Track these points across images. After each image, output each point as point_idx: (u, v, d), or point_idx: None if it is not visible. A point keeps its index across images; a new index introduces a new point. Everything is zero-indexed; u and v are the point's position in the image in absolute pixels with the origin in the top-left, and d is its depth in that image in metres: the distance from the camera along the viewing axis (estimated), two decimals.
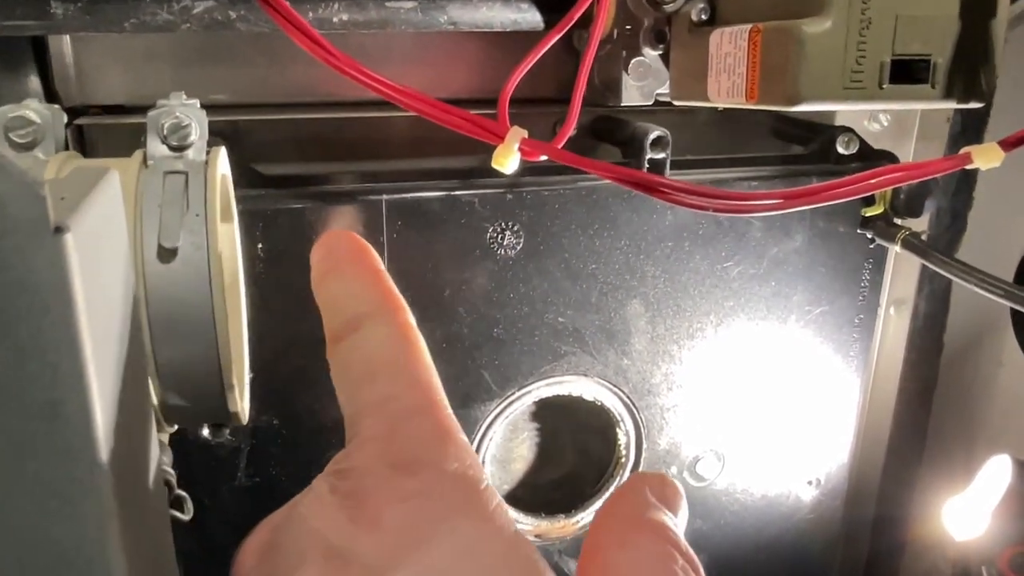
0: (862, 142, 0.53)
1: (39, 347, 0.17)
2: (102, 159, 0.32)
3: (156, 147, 0.30)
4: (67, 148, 0.32)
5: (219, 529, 0.45)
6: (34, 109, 0.30)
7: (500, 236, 0.47)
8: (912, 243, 0.51)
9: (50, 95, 0.44)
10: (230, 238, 0.37)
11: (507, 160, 0.39)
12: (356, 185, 0.44)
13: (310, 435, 0.47)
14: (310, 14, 0.40)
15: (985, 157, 0.36)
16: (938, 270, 0.49)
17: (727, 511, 0.59)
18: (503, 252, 0.47)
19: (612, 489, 0.56)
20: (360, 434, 0.24)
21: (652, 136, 0.46)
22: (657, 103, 0.48)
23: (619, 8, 0.45)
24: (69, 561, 0.18)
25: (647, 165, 0.47)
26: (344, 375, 0.26)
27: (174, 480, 0.31)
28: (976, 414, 0.65)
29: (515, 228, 0.47)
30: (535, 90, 0.49)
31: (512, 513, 0.55)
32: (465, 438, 0.24)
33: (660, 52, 0.46)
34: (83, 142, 0.44)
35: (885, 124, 0.58)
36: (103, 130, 0.44)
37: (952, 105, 0.37)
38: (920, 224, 0.56)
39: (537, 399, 0.52)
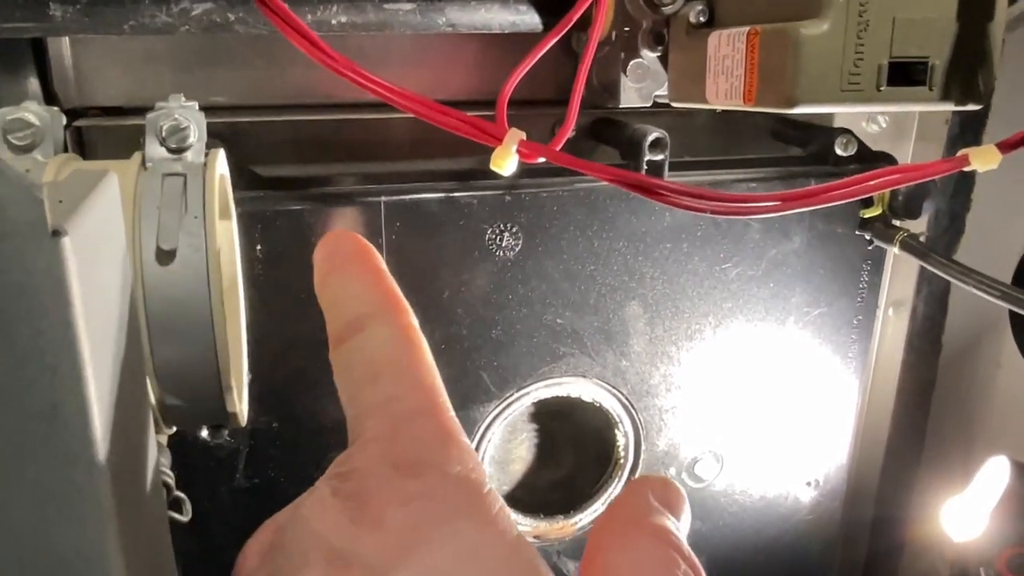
0: (860, 144, 0.53)
1: (38, 350, 0.17)
2: (101, 161, 0.32)
3: (155, 149, 0.30)
4: (66, 150, 0.32)
5: (218, 530, 0.45)
6: (33, 111, 0.31)
7: (499, 237, 0.47)
8: (910, 245, 0.51)
9: (49, 97, 0.44)
10: (229, 240, 0.37)
11: (505, 162, 0.39)
12: (355, 187, 0.45)
13: (309, 436, 0.47)
14: (309, 16, 0.41)
15: (982, 159, 0.36)
16: (936, 272, 0.49)
17: (726, 512, 0.59)
18: (502, 253, 0.47)
19: (611, 490, 0.56)
20: (363, 435, 0.24)
21: (650, 138, 0.46)
22: (656, 105, 0.48)
23: (617, 10, 0.46)
24: (68, 563, 0.18)
25: (646, 167, 0.47)
26: (347, 376, 0.26)
27: (173, 482, 0.31)
28: (974, 415, 0.65)
29: (514, 230, 0.47)
30: (534, 92, 0.49)
31: (511, 514, 0.55)
32: (467, 441, 0.24)
33: (658, 54, 0.46)
34: (82, 144, 0.44)
35: (884, 126, 0.58)
36: (102, 132, 0.44)
37: (950, 107, 0.37)
38: (919, 226, 0.56)
39: (536, 400, 0.52)
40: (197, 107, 0.32)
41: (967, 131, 0.58)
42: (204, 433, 0.44)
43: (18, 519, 0.17)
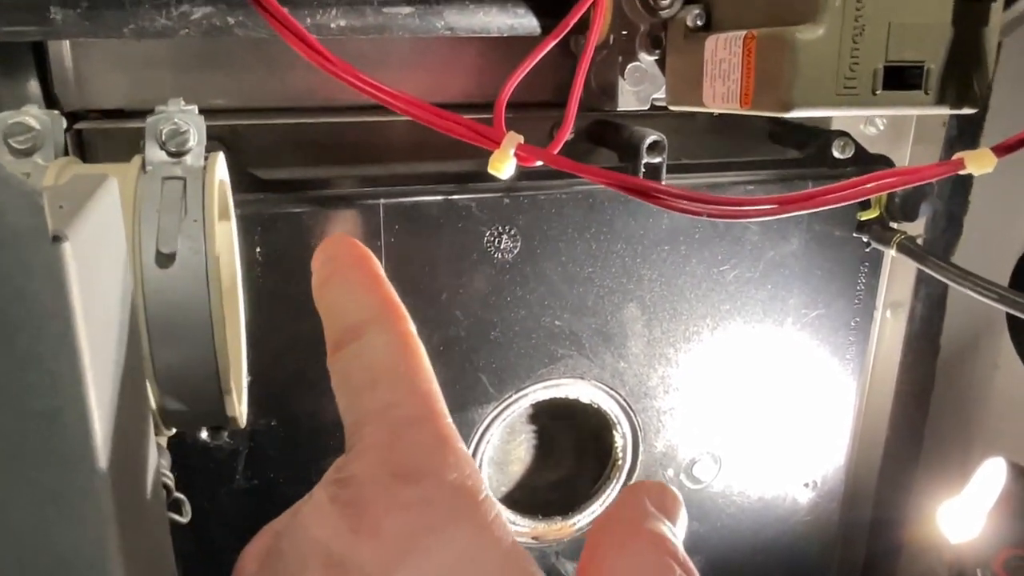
0: (858, 146, 0.53)
1: (38, 354, 0.17)
2: (101, 165, 0.32)
3: (154, 153, 0.31)
4: (66, 153, 0.33)
5: (218, 531, 0.45)
6: (33, 115, 0.31)
7: (497, 240, 0.47)
8: (907, 247, 0.51)
9: (50, 99, 0.44)
10: (228, 243, 0.37)
11: (503, 166, 0.39)
12: (354, 189, 0.45)
13: (308, 437, 0.47)
14: (308, 20, 0.41)
15: (978, 163, 0.37)
16: (933, 274, 0.50)
17: (724, 513, 0.59)
18: (500, 256, 0.47)
19: (609, 491, 0.57)
20: (360, 442, 0.24)
21: (648, 141, 0.46)
22: (653, 107, 0.49)
23: (615, 13, 0.46)
24: (68, 565, 0.18)
25: (644, 169, 0.47)
26: (344, 383, 0.26)
27: (172, 483, 0.31)
28: (972, 417, 0.65)
29: (512, 232, 0.47)
30: (532, 94, 0.50)
31: (509, 515, 0.55)
32: (464, 447, 0.24)
33: (656, 57, 0.46)
34: (82, 146, 0.44)
35: (881, 128, 0.59)
36: (102, 134, 0.45)
37: (945, 111, 0.38)
38: (916, 227, 0.56)
39: (534, 402, 0.53)
40: (197, 111, 0.32)
41: (965, 133, 0.58)
42: (204, 435, 0.45)
43: (18, 520, 0.18)
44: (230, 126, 0.46)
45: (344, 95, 0.44)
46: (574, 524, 0.56)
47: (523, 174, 0.42)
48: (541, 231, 0.48)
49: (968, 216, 0.61)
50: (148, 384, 0.29)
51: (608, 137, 0.50)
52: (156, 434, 0.30)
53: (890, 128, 0.59)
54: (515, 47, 0.46)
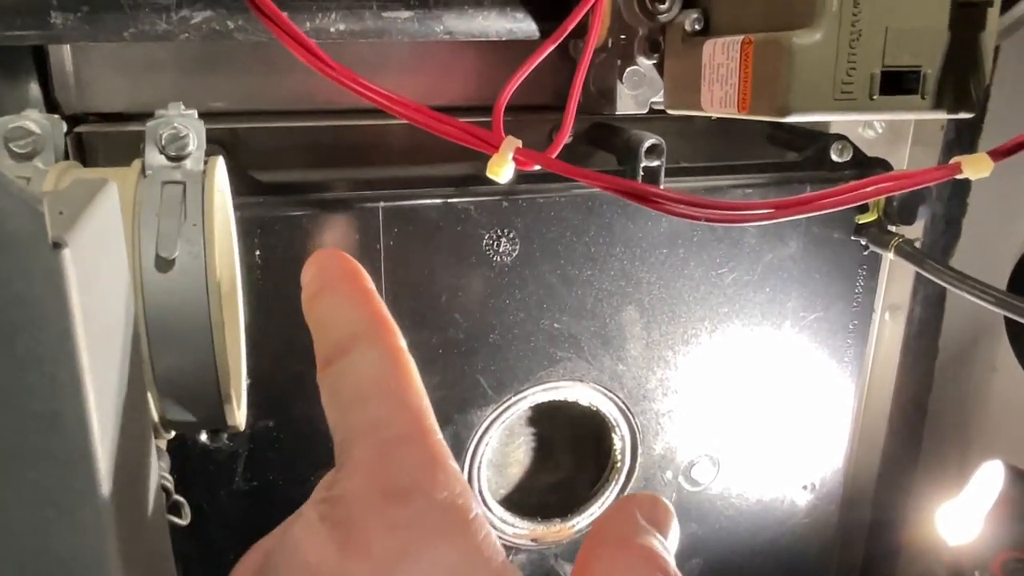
0: (856, 149, 0.53)
1: (37, 359, 0.17)
2: (101, 169, 0.32)
3: (154, 157, 0.31)
4: (67, 156, 0.33)
5: (217, 533, 0.45)
6: (34, 119, 0.31)
7: (496, 243, 0.47)
8: (905, 250, 0.51)
9: (50, 103, 0.44)
10: (228, 247, 0.37)
11: (501, 170, 0.39)
12: (353, 192, 0.45)
13: (307, 440, 0.47)
14: (307, 24, 0.41)
15: (975, 167, 0.37)
16: (931, 277, 0.50)
17: (722, 516, 0.59)
18: (499, 259, 0.48)
19: (608, 493, 0.57)
20: (350, 459, 0.24)
21: (647, 144, 0.47)
22: (652, 111, 0.49)
23: (614, 18, 0.46)
24: (67, 567, 0.18)
25: (642, 173, 0.47)
26: (334, 398, 0.25)
27: (172, 486, 0.31)
28: (970, 419, 0.65)
29: (511, 235, 0.47)
30: (531, 97, 0.50)
31: (508, 517, 0.55)
32: (455, 465, 0.24)
33: (654, 61, 0.46)
34: (83, 149, 0.44)
35: (879, 131, 0.59)
36: (103, 138, 0.45)
37: (942, 116, 0.38)
38: (915, 230, 0.56)
39: (533, 404, 0.53)
40: (196, 115, 0.32)
41: (963, 136, 0.58)
42: (203, 437, 0.45)
43: (18, 522, 0.18)
44: (230, 129, 0.47)
45: (343, 99, 0.44)
46: (573, 526, 0.56)
47: (522, 177, 0.43)
48: (540, 234, 0.48)
49: (966, 219, 0.61)
50: (148, 388, 0.29)
51: (607, 140, 0.50)
52: (156, 437, 0.30)
53: (888, 131, 0.59)
54: (514, 51, 0.46)
